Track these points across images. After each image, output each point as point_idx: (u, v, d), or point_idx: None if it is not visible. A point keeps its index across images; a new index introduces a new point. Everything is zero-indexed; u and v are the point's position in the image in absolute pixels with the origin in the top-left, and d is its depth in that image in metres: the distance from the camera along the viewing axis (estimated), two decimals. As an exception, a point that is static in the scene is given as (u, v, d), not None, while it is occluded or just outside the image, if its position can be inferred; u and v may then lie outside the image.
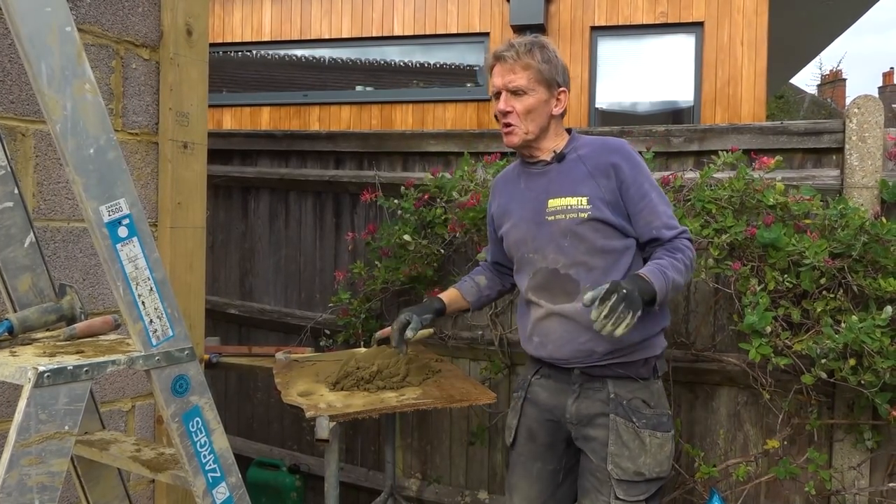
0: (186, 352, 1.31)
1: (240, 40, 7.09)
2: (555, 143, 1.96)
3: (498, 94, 1.92)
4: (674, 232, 1.87)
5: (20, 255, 1.43)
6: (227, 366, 3.01)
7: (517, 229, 1.97)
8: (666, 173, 2.61)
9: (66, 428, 1.13)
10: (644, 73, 6.25)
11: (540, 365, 2.00)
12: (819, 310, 2.28)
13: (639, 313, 1.64)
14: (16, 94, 1.81)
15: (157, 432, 2.16)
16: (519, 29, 6.21)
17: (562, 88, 1.93)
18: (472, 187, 2.79)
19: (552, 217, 1.87)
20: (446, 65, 6.75)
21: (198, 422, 1.33)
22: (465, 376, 2.48)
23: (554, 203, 1.88)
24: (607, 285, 1.65)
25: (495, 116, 1.96)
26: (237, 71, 7.26)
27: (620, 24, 6.13)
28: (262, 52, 7.20)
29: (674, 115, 6.26)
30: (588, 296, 1.65)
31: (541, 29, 6.18)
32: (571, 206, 1.86)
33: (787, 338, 2.30)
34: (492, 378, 2.97)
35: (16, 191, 1.42)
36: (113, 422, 2.04)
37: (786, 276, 2.32)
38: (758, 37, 5.85)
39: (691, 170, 2.70)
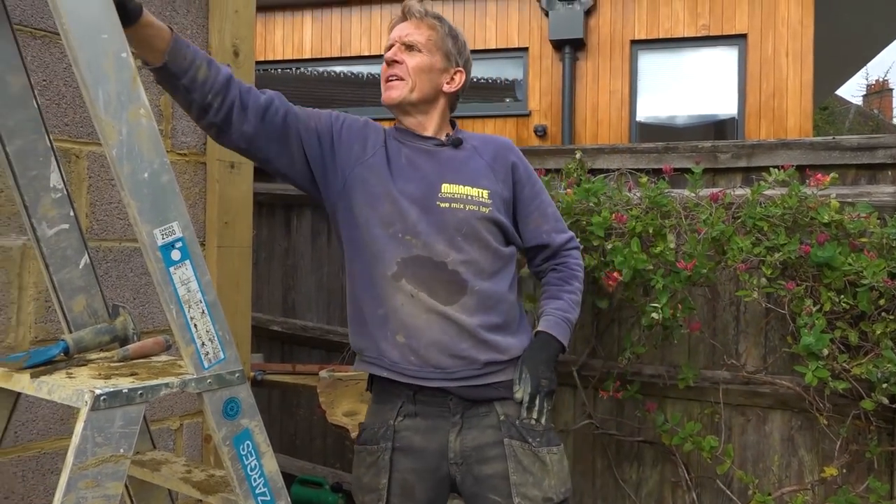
0: (237, 374, 1.30)
1: (281, 58, 7.20)
2: (440, 126, 1.75)
3: (390, 48, 1.73)
4: (564, 237, 1.78)
5: (75, 277, 1.44)
6: (271, 383, 3.02)
7: (392, 204, 1.63)
8: (714, 190, 2.55)
9: (122, 451, 1.13)
10: (686, 87, 6.18)
11: (400, 400, 1.65)
12: (878, 332, 2.20)
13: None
14: (70, 117, 1.85)
15: (205, 451, 2.17)
16: (558, 44, 6.20)
17: (459, 68, 1.75)
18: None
19: (446, 204, 1.64)
20: (484, 79, 6.76)
21: (248, 445, 1.32)
22: (510, 396, 2.45)
23: (450, 189, 1.65)
24: (527, 380, 1.63)
25: (383, 74, 1.74)
26: (277, 88, 7.33)
27: (661, 37, 6.07)
28: (303, 68, 7.29)
29: (716, 128, 6.17)
30: (518, 394, 1.64)
31: (580, 43, 6.16)
32: (472, 196, 1.65)
33: (844, 361, 2.23)
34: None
35: (71, 213, 1.44)
36: (161, 440, 2.05)
37: (842, 296, 2.25)
38: (803, 48, 5.74)
39: (740, 187, 2.65)
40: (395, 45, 1.70)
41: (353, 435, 1.96)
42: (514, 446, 1.61)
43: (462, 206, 1.64)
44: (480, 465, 1.62)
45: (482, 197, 1.66)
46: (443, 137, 1.73)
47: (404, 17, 1.74)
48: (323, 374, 2.63)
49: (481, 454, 1.62)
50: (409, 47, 1.69)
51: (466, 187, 1.66)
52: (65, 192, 1.43)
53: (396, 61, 1.69)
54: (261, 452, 1.33)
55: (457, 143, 1.73)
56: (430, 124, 1.73)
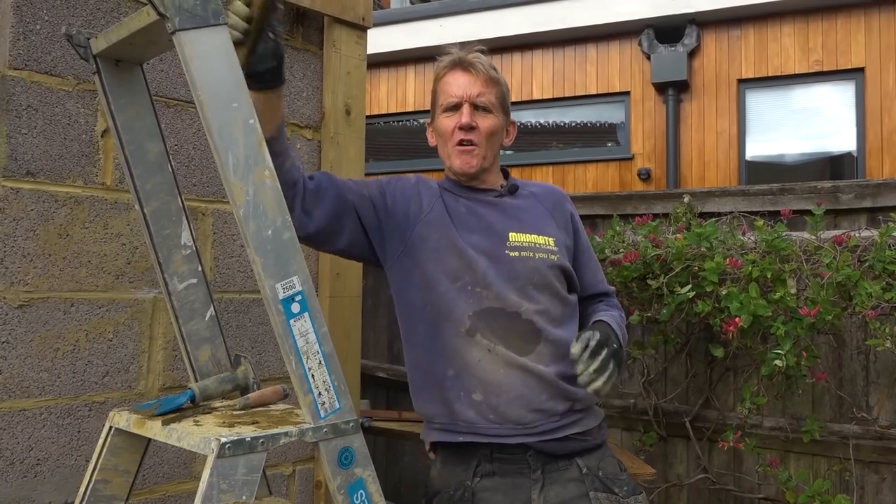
0: (352, 424, 1.33)
1: (385, 111, 7.45)
2: (497, 177, 1.74)
3: (456, 106, 1.64)
4: (610, 287, 1.83)
5: (202, 328, 1.53)
6: (377, 430, 3.06)
7: (459, 256, 1.59)
8: (836, 232, 2.43)
9: (244, 498, 1.17)
10: (797, 124, 5.95)
11: (475, 459, 1.58)
12: None
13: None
14: (198, 178, 1.98)
15: (315, 497, 2.22)
16: (661, 86, 6.12)
17: (513, 121, 1.75)
18: (622, 248, 2.73)
19: (516, 252, 1.60)
20: (585, 124, 6.74)
21: (361, 494, 1.34)
22: (620, 448, 2.38)
23: (518, 237, 1.62)
24: (596, 334, 1.50)
25: (442, 132, 1.67)
26: (382, 140, 7.62)
27: (770, 75, 5.89)
28: (406, 121, 7.52)
29: (832, 165, 5.88)
30: (577, 347, 1.49)
31: (684, 85, 6.06)
32: (540, 244, 1.62)
33: None
34: (647, 450, 2.83)
35: (199, 268, 1.53)
36: (275, 485, 2.11)
37: None
38: (928, 79, 5.42)
39: (865, 228, 2.50)
40: (465, 104, 1.63)
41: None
42: (601, 499, 1.55)
43: (532, 254, 1.61)
44: None
45: (549, 244, 1.64)
46: (498, 187, 1.72)
47: (464, 68, 1.65)
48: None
49: None
50: (482, 109, 1.64)
51: (534, 235, 1.64)
52: (194, 248, 1.53)
53: (473, 126, 1.63)
54: (374, 502, 1.35)
55: (513, 191, 1.72)
56: (490, 178, 1.72)
